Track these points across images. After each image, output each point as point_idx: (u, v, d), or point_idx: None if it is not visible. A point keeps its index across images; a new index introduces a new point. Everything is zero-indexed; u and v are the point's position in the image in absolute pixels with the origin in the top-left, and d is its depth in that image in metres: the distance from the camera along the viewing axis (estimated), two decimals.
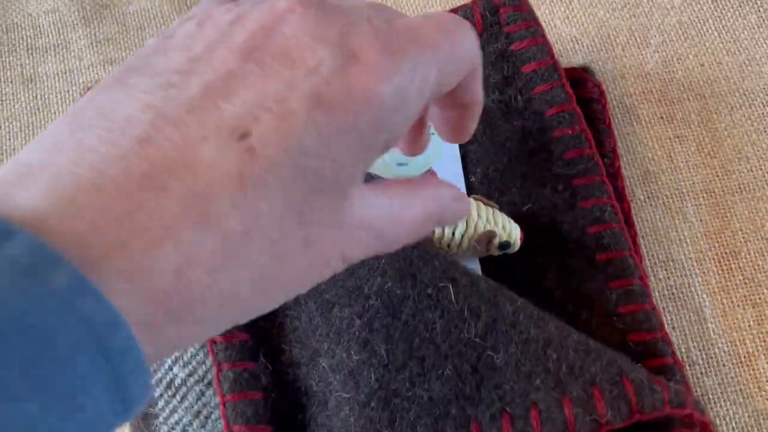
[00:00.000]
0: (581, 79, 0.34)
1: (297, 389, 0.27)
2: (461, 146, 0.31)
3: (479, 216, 0.27)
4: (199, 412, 0.27)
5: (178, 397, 0.28)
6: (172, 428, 0.27)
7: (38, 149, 0.16)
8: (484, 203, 0.28)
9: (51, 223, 0.14)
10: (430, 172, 0.31)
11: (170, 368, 0.28)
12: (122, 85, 0.17)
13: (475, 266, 0.29)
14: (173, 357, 0.28)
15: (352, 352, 0.25)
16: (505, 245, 0.28)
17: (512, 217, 0.29)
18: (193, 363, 0.28)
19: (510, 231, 0.27)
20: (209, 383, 0.27)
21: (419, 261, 0.26)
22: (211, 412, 0.27)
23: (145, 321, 0.15)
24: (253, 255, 0.16)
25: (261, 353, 0.27)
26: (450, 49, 0.19)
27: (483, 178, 0.30)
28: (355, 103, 0.17)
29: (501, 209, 0.30)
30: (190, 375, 0.28)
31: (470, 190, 0.31)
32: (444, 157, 0.31)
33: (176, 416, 0.27)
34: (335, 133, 0.17)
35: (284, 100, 0.16)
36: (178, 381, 0.28)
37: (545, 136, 0.30)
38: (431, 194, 0.21)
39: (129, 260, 0.14)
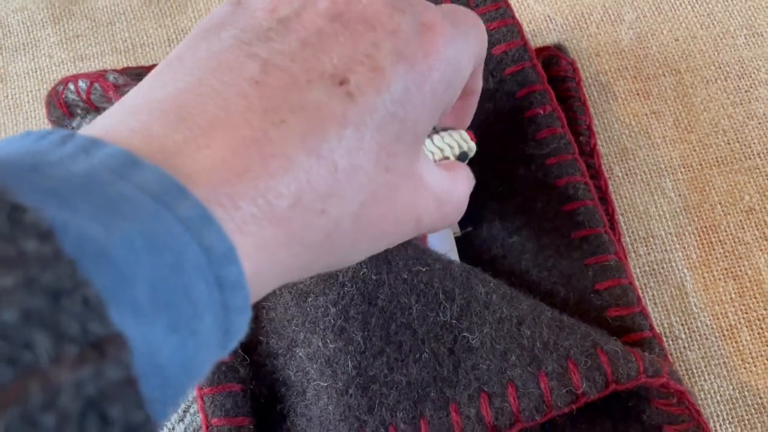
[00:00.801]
0: (555, 58, 0.34)
1: (275, 380, 0.27)
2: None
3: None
4: None
5: None
6: None
7: (152, 91, 0.17)
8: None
9: (179, 157, 0.15)
10: None
11: None
12: (215, 38, 0.18)
13: (452, 248, 0.29)
14: None
15: (328, 341, 0.25)
16: (462, 156, 0.27)
17: (486, 200, 0.29)
18: None
19: (459, 142, 0.26)
20: None
21: (393, 248, 0.26)
22: (189, 406, 0.27)
23: (262, 243, 0.15)
24: (354, 189, 0.18)
25: (238, 345, 0.27)
26: (483, 32, 0.23)
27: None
28: (429, 59, 0.19)
29: (477, 192, 0.29)
30: None
31: None
32: None
33: None
34: (414, 85, 0.19)
35: (372, 56, 0.18)
36: None
37: (517, 117, 0.29)
38: (466, 174, 0.24)
39: (254, 185, 0.15)
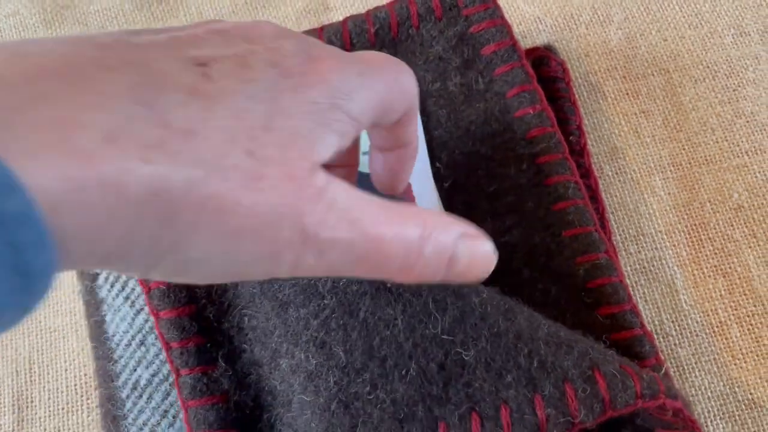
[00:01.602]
0: (545, 58, 0.34)
1: (261, 389, 0.26)
2: (427, 133, 0.31)
3: None
4: (166, 412, 0.27)
5: (144, 398, 0.27)
6: (141, 429, 0.27)
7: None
8: None
9: None
10: None
11: (134, 369, 0.28)
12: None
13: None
14: (136, 358, 0.28)
15: (309, 355, 0.24)
16: None
17: (478, 201, 0.29)
18: (157, 363, 0.27)
19: None
20: (174, 383, 0.27)
21: None
22: (179, 412, 0.27)
23: (64, 175, 0.14)
24: (192, 153, 0.16)
25: (220, 356, 0.26)
26: (393, 76, 0.21)
27: (449, 163, 0.30)
28: (307, 75, 0.19)
29: (468, 192, 0.30)
30: (154, 375, 0.27)
31: (437, 176, 0.31)
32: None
33: (144, 417, 0.27)
34: (288, 89, 0.18)
35: (244, 57, 0.18)
36: (143, 382, 0.27)
37: (507, 116, 0.29)
38: (426, 225, 0.19)
39: (55, 112, 0.14)
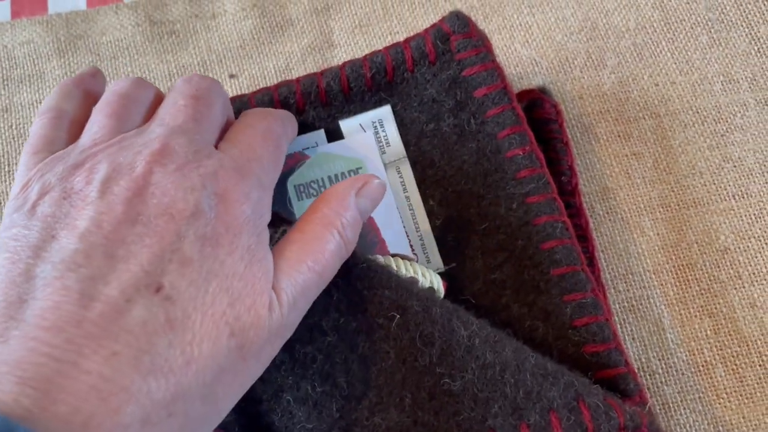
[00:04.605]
0: (539, 101, 0.35)
1: (258, 425, 0.27)
2: (417, 171, 0.32)
3: (398, 268, 0.28)
4: None
5: None
6: None
7: None
8: (402, 257, 0.29)
9: (34, 420, 0.17)
10: (368, 219, 0.31)
11: None
12: (27, 272, 0.20)
13: (437, 278, 0.30)
14: None
15: (316, 384, 0.26)
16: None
17: (469, 237, 0.30)
18: None
19: (431, 279, 0.28)
20: None
21: (369, 292, 0.27)
22: None
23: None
24: (198, 374, 0.20)
25: None
26: (274, 136, 0.27)
27: (442, 201, 0.31)
28: (231, 230, 0.22)
29: (460, 229, 0.31)
30: None
31: (430, 214, 0.32)
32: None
33: None
34: (226, 255, 0.21)
35: (178, 250, 0.20)
36: None
37: (498, 156, 0.31)
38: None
39: (102, 429, 0.18)
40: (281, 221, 0.27)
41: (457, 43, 0.32)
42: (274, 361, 0.26)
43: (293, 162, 0.32)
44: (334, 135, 0.33)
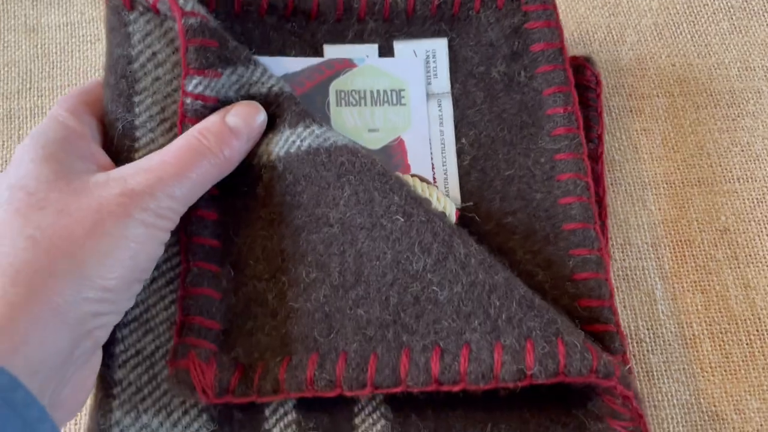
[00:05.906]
0: (581, 67, 0.36)
1: (253, 299, 0.28)
2: (458, 109, 0.33)
3: (414, 187, 0.28)
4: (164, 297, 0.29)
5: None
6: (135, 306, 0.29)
7: None
8: (420, 179, 0.29)
9: None
10: (399, 141, 0.32)
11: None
12: None
13: (450, 205, 0.31)
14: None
15: (310, 270, 0.27)
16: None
17: (492, 180, 0.31)
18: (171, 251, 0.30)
19: (445, 204, 0.29)
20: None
21: (379, 193, 0.28)
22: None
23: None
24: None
25: (228, 261, 0.28)
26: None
27: (474, 141, 0.32)
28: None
29: (485, 171, 0.31)
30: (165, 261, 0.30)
31: (460, 151, 0.32)
32: (414, 125, 0.32)
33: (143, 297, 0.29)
34: None
35: None
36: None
37: (539, 112, 0.31)
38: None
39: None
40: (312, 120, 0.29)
41: None
42: (279, 245, 0.28)
43: (340, 67, 0.33)
44: (386, 54, 0.33)
